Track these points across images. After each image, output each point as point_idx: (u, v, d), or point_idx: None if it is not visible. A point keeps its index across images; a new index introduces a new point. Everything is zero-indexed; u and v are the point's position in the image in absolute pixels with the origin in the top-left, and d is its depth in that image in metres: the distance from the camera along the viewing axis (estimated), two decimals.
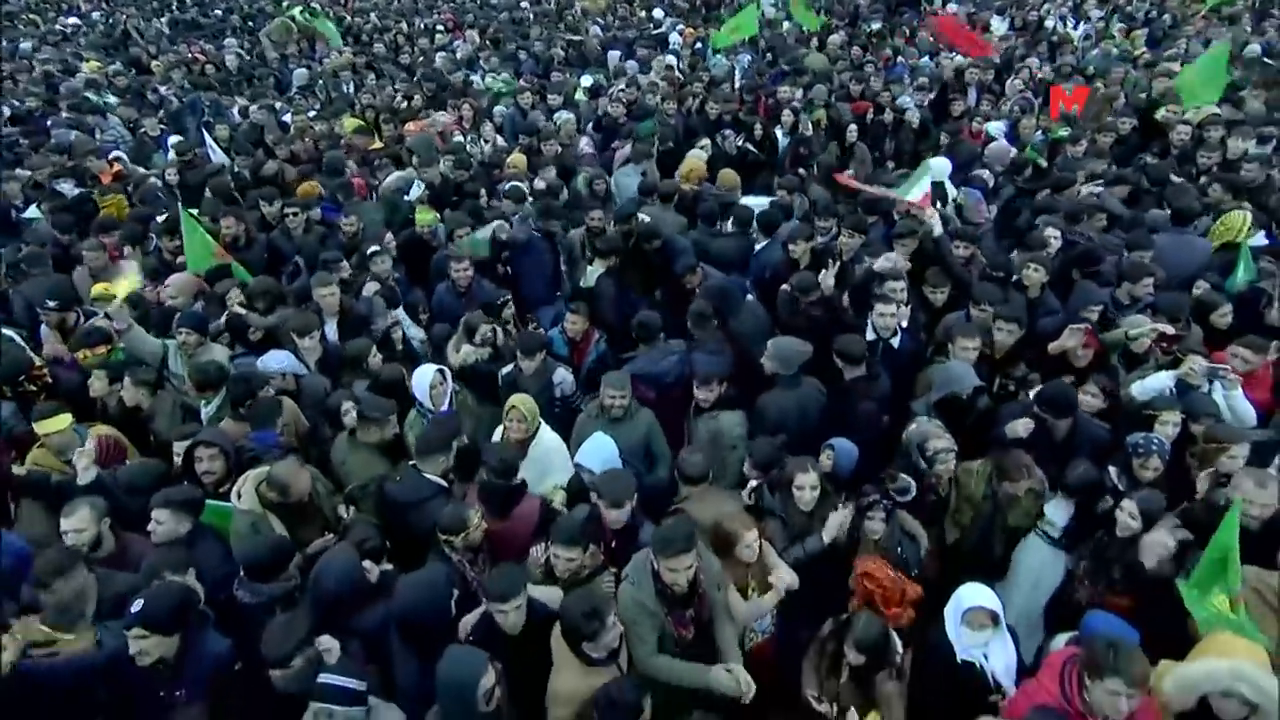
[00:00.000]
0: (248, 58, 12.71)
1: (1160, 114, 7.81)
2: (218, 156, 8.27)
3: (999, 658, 3.27)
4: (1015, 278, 5.22)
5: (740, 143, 8.12)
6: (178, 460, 4.07)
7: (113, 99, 10.28)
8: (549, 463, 4.25)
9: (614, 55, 11.71)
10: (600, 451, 4.11)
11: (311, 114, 9.27)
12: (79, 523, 3.49)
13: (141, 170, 8.28)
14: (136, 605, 2.89)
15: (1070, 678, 2.88)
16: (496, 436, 4.34)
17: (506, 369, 4.79)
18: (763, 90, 9.56)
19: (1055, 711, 2.78)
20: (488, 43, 12.66)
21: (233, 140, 8.57)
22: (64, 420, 4.18)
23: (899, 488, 3.83)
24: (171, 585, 3.10)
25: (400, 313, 5.42)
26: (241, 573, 3.40)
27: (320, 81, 10.99)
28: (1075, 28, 12.18)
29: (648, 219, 6.24)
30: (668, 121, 8.60)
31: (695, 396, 4.45)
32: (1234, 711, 2.68)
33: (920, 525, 3.89)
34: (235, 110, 9.99)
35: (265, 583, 3.30)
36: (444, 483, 3.95)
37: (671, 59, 11.07)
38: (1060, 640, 3.30)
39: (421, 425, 4.36)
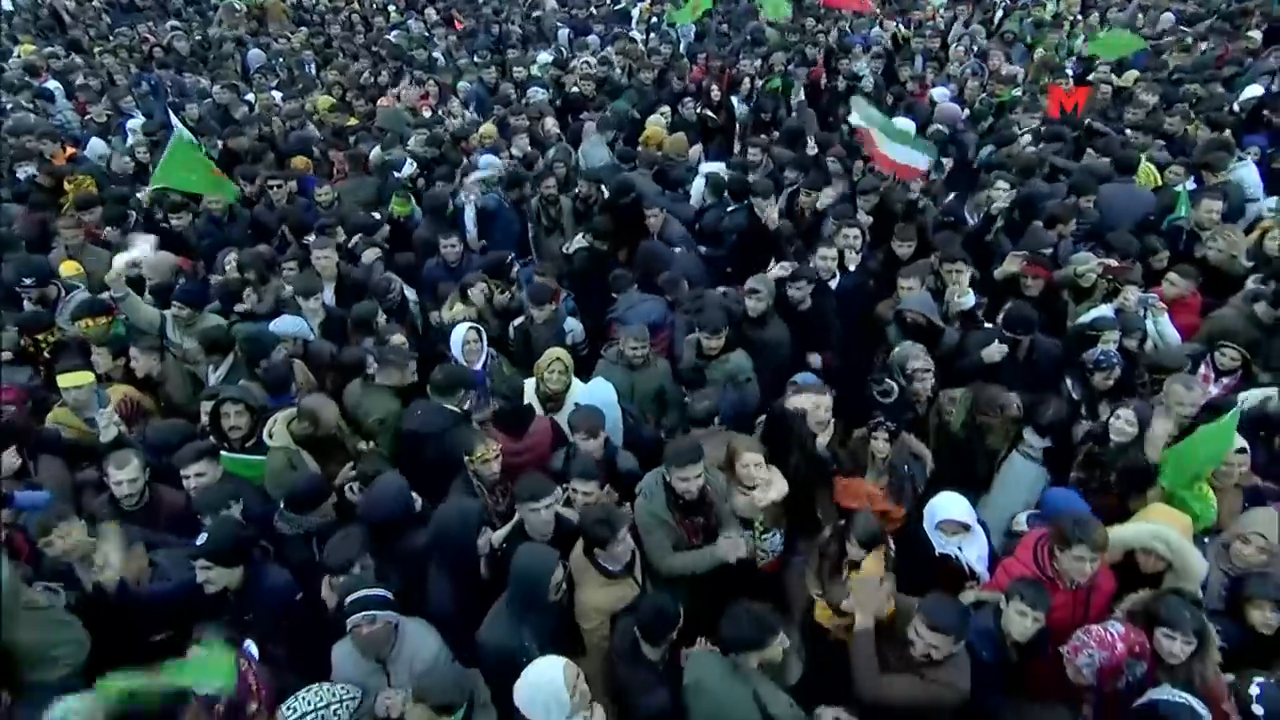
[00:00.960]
0: (197, 39, 12.45)
1: (1093, 75, 8.44)
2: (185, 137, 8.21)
3: (972, 549, 3.68)
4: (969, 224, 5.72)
5: (699, 110, 8.45)
6: (204, 419, 4.24)
7: (53, 84, 10.01)
8: None
9: (564, 33, 11.88)
10: (597, 394, 4.36)
11: (278, 94, 9.23)
12: (133, 472, 3.65)
13: (98, 152, 8.17)
14: (202, 539, 3.12)
15: (1042, 551, 3.34)
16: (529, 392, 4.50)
17: (517, 321, 5.04)
18: (725, 61, 9.88)
19: (1033, 580, 3.22)
20: (442, 20, 12.65)
21: (200, 121, 8.49)
22: (86, 376, 4.29)
23: (883, 390, 4.20)
24: (232, 521, 3.34)
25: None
26: (282, 505, 3.64)
27: (281, 60, 10.85)
28: None
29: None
30: (645, 93, 8.84)
31: (703, 345, 4.70)
32: (1151, 565, 3.31)
33: (924, 446, 4.20)
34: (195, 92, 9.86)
35: (304, 515, 3.56)
36: (460, 411, 4.20)
37: (636, 33, 11.28)
38: (1022, 518, 3.77)
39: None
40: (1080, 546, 3.14)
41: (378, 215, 6.51)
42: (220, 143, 7.83)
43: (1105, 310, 4.84)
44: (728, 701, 2.90)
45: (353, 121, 8.62)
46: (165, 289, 5.27)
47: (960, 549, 3.67)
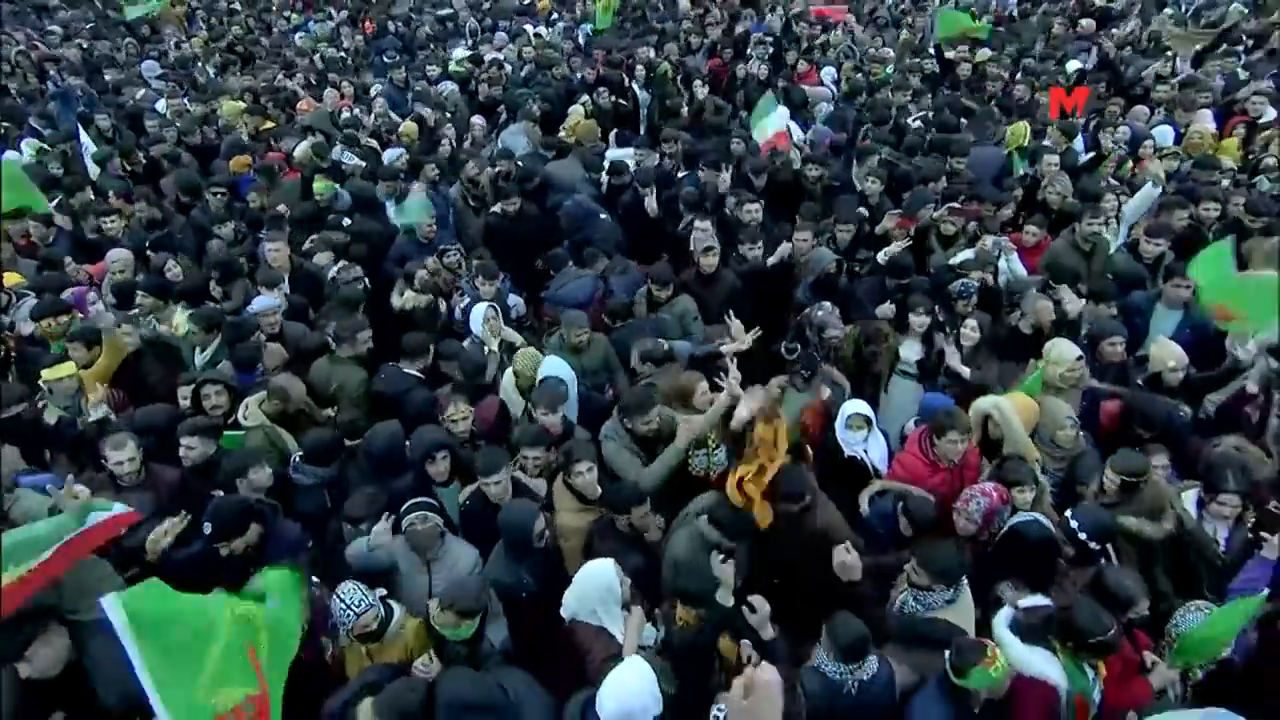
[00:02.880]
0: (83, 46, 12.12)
1: (950, 53, 9.53)
2: (89, 149, 8.18)
3: (875, 450, 4.49)
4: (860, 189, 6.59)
5: (611, 99, 9.10)
6: (183, 402, 4.59)
7: None
8: None
9: (472, 24, 12.24)
10: (556, 371, 4.78)
11: (185, 100, 9.28)
12: (130, 452, 3.93)
13: None
14: (207, 526, 3.51)
15: (924, 441, 4.18)
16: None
17: (465, 300, 5.52)
18: (624, 51, 10.52)
19: (924, 494, 3.95)
20: (349, 21, 12.76)
21: (116, 130, 8.48)
22: (68, 367, 4.54)
23: (789, 347, 4.95)
24: (230, 499, 3.76)
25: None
26: (297, 459, 4.11)
27: (184, 68, 10.78)
28: None
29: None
30: (559, 86, 9.39)
31: (653, 294, 5.38)
32: (994, 430, 4.25)
33: (841, 374, 4.94)
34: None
35: (322, 466, 4.07)
36: (420, 375, 4.76)
37: (542, 29, 11.79)
38: (910, 424, 4.64)
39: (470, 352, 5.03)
40: (951, 432, 4.00)
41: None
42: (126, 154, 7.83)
43: (967, 253, 5.79)
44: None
45: (269, 125, 8.79)
46: (126, 286, 5.52)
47: (865, 450, 4.46)
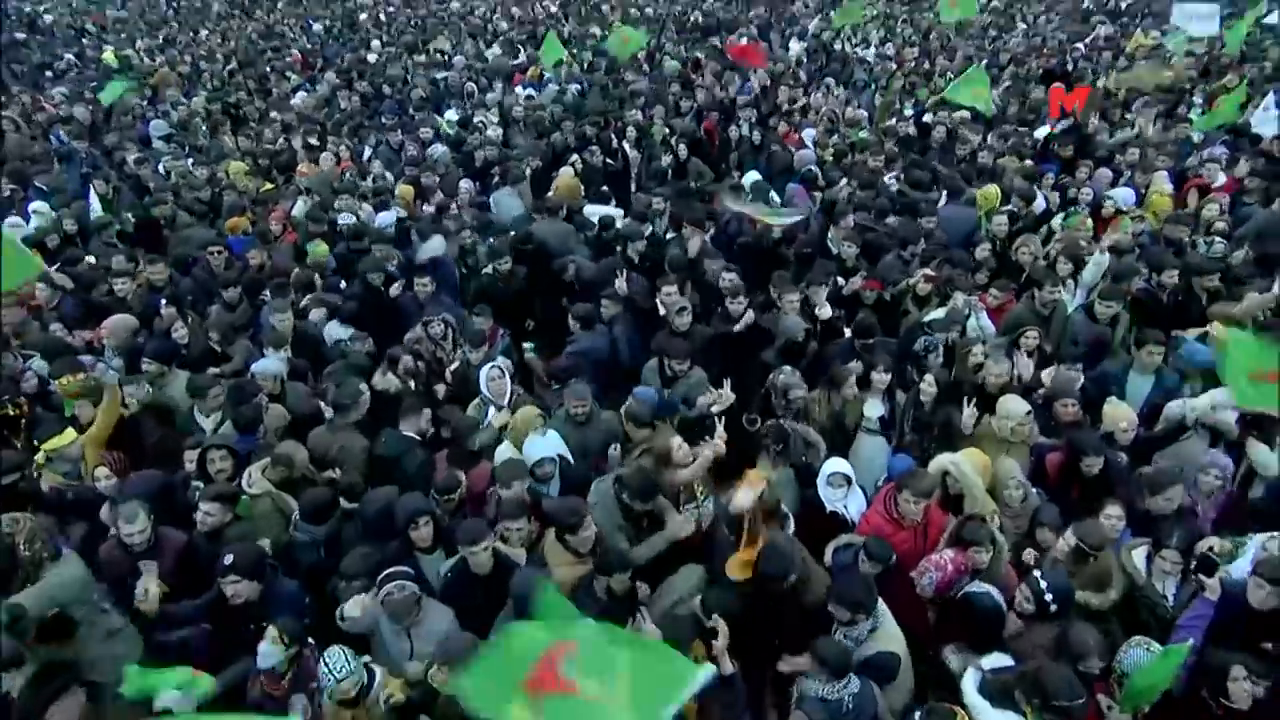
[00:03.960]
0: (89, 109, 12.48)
1: (927, 118, 10.03)
2: (96, 209, 8.44)
3: (854, 506, 4.74)
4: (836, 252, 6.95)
5: (602, 158, 9.50)
6: (188, 465, 4.77)
7: None
8: None
9: (470, 86, 12.67)
10: (548, 445, 4.84)
11: (189, 161, 9.62)
12: (141, 524, 4.07)
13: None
14: (227, 559, 3.75)
15: (889, 500, 4.44)
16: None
17: (454, 364, 5.74)
18: (611, 114, 10.97)
19: (882, 540, 4.16)
20: (343, 82, 13.20)
21: (117, 192, 8.77)
22: (69, 435, 4.74)
23: (749, 419, 5.17)
24: (250, 544, 4.00)
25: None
26: (296, 517, 4.33)
27: (188, 128, 11.13)
28: (864, 49, 14.57)
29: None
30: (548, 149, 9.76)
31: (668, 369, 5.52)
32: (953, 486, 4.51)
33: (816, 433, 5.14)
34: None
35: (318, 524, 4.29)
36: (419, 437, 4.94)
37: (532, 90, 12.29)
38: (882, 479, 4.90)
39: (483, 412, 5.25)
40: (908, 492, 4.27)
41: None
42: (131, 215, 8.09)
43: (939, 311, 6.12)
44: None
45: (268, 187, 9.11)
46: (131, 351, 5.74)
47: (845, 506, 4.71)
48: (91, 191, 8.52)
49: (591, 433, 5.15)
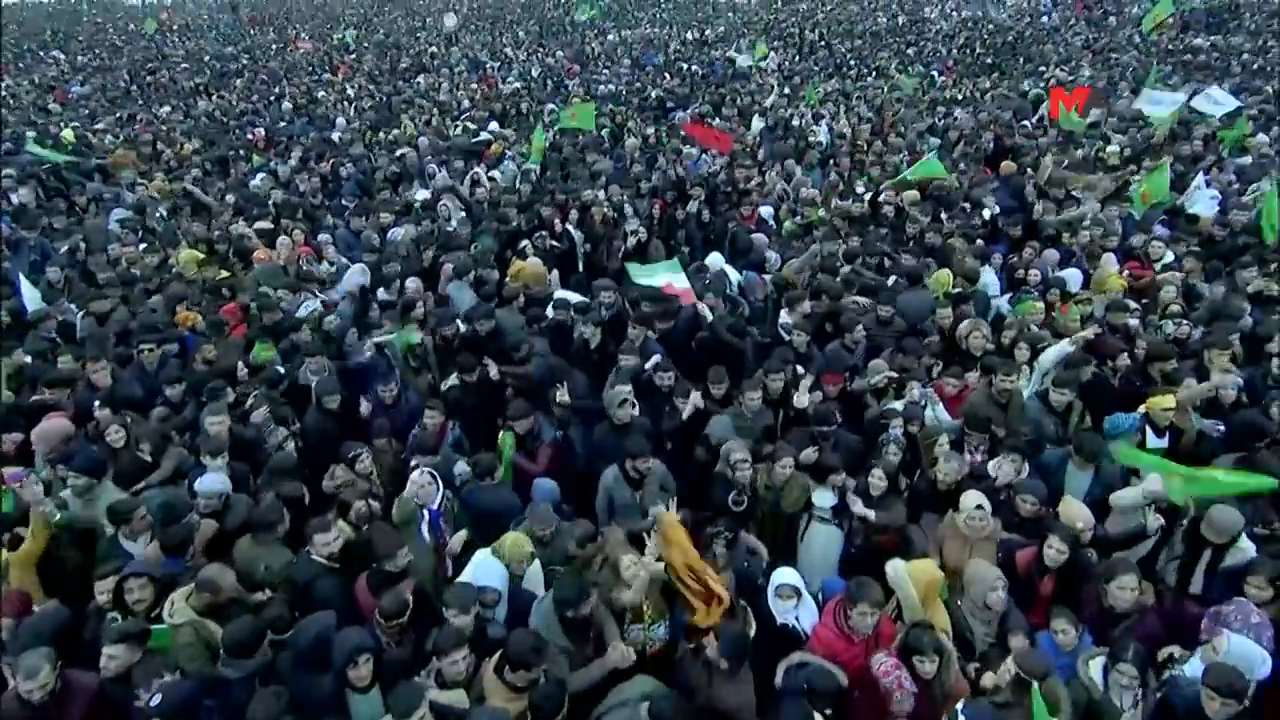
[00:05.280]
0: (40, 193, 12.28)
1: (881, 197, 10.24)
2: (32, 302, 8.15)
3: (806, 618, 4.59)
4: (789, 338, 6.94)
5: (550, 242, 9.47)
6: (101, 597, 4.44)
7: None
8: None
9: (432, 168, 12.67)
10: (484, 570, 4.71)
11: (142, 247, 9.43)
12: (45, 679, 3.77)
13: None
14: (155, 700, 3.56)
15: (839, 612, 4.31)
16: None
17: (414, 463, 5.49)
18: (569, 195, 10.97)
19: (828, 675, 4.02)
20: (304, 163, 13.17)
21: (68, 282, 8.54)
22: None
23: (735, 499, 5.18)
24: (180, 682, 3.87)
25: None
26: (223, 653, 4.03)
27: (141, 212, 10.92)
28: (818, 125, 14.95)
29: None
30: (504, 229, 9.71)
31: (630, 471, 5.38)
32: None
33: (759, 541, 5.11)
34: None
35: (247, 659, 3.99)
36: (329, 564, 4.66)
37: (495, 173, 12.34)
38: (833, 574, 4.90)
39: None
40: (862, 604, 4.16)
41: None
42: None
43: (896, 405, 6.13)
44: None
45: (224, 275, 8.91)
46: (62, 459, 5.45)
47: (797, 618, 4.56)
48: (23, 283, 8.20)
49: (553, 551, 5.00)
